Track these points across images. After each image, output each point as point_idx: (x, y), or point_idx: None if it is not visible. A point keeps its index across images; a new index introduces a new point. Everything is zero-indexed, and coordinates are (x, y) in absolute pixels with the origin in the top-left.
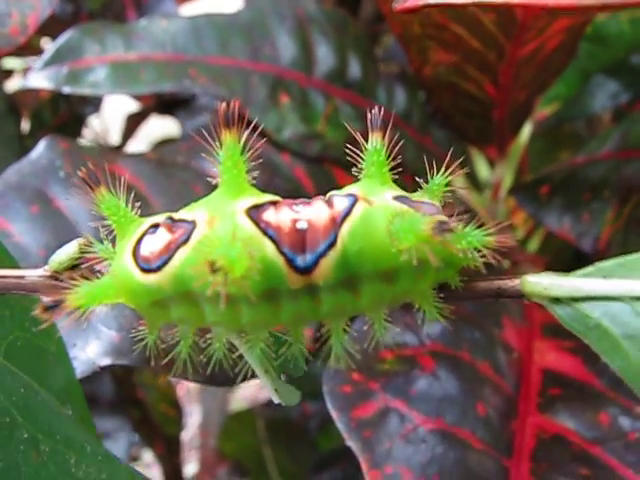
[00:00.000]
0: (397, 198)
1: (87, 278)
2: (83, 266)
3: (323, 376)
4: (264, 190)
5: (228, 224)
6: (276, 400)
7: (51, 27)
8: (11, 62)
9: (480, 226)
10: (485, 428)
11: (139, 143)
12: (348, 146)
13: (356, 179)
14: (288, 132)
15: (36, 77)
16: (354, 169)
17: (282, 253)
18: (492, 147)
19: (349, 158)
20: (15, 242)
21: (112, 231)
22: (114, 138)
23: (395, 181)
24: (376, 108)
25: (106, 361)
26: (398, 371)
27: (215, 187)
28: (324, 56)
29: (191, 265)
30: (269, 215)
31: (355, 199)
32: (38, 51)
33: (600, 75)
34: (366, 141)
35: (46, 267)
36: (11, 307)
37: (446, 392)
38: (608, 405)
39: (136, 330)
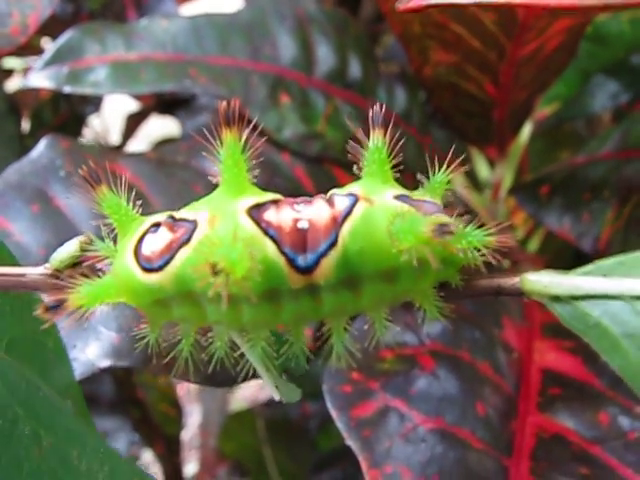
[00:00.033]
0: (398, 197)
1: (88, 276)
2: (84, 264)
3: (323, 375)
4: (264, 189)
5: (229, 224)
6: (277, 397)
7: (51, 27)
8: (11, 62)
9: (480, 226)
10: (485, 428)
11: (139, 143)
12: (349, 144)
13: (357, 177)
14: (288, 132)
15: (37, 77)
16: (355, 167)
17: (283, 253)
18: (492, 147)
19: (350, 157)
20: (15, 241)
21: (113, 229)
22: (114, 138)
23: (396, 180)
24: (377, 106)
25: (106, 363)
26: (398, 370)
27: (216, 186)
28: (324, 56)
29: (192, 265)
30: (270, 215)
31: (356, 199)
32: (38, 51)
33: (600, 75)
34: (367, 140)
35: (47, 265)
36: (11, 302)
37: (446, 392)
38: (608, 405)
39: (137, 329)
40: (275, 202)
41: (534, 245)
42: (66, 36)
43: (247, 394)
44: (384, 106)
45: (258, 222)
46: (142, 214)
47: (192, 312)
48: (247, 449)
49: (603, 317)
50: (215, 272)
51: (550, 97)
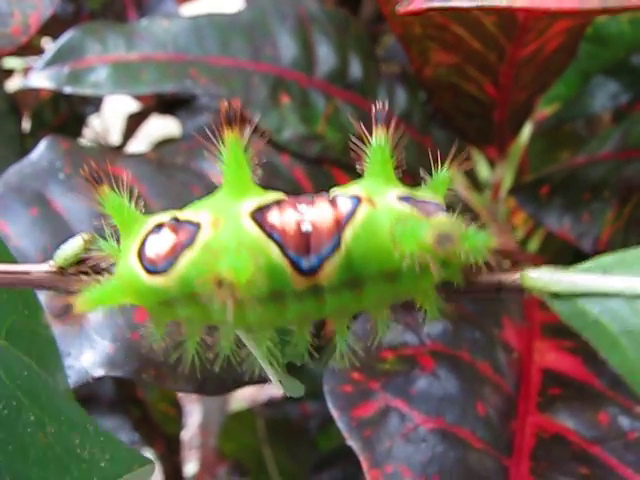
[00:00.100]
0: (401, 198)
1: (90, 273)
2: (88, 263)
3: (324, 376)
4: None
5: (233, 227)
6: (281, 391)
7: (52, 27)
8: (12, 62)
9: (481, 227)
10: (485, 427)
11: (140, 143)
12: (351, 142)
13: (358, 176)
14: (288, 133)
15: (37, 77)
16: (357, 165)
17: (287, 256)
18: (492, 147)
19: (351, 157)
20: (13, 245)
21: (116, 230)
22: (115, 138)
23: (398, 179)
24: (379, 104)
25: (99, 372)
26: (398, 371)
27: (218, 187)
28: (325, 56)
29: (196, 270)
30: (274, 217)
31: (359, 200)
32: (39, 51)
33: (600, 75)
34: (369, 139)
35: (51, 262)
36: (7, 290)
37: (446, 392)
38: (608, 405)
39: (139, 331)
40: (278, 203)
41: (534, 245)
42: (67, 36)
43: (247, 394)
44: (386, 105)
45: (262, 225)
46: (144, 215)
47: (197, 312)
48: (247, 449)
49: (602, 314)
50: (219, 283)
51: (550, 97)
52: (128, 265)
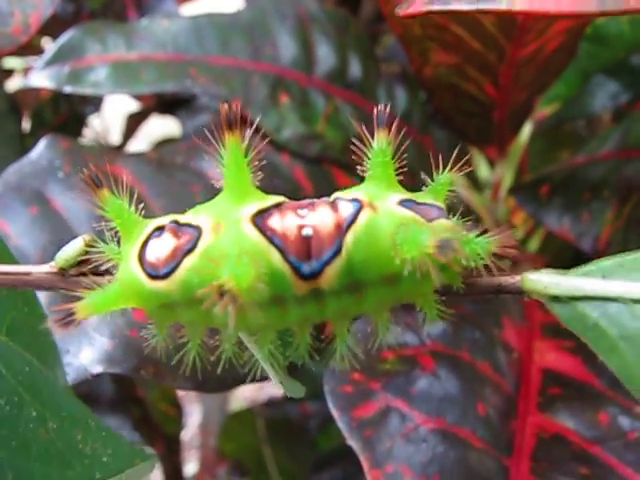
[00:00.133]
0: (402, 202)
1: (90, 275)
2: (89, 265)
3: (324, 376)
4: (264, 191)
5: (233, 233)
6: (282, 391)
7: (52, 27)
8: (12, 62)
9: (483, 231)
10: (485, 427)
11: (140, 143)
12: (353, 144)
13: (359, 178)
14: (288, 132)
15: (38, 76)
16: (358, 167)
17: (288, 262)
18: (492, 147)
19: (350, 156)
20: (13, 244)
21: (116, 232)
22: (115, 138)
23: (399, 182)
24: (381, 106)
25: (98, 369)
26: (399, 371)
27: (218, 189)
28: (325, 56)
29: (198, 276)
30: (274, 222)
31: (360, 205)
32: (39, 51)
33: (600, 75)
34: (370, 141)
35: (52, 264)
36: (7, 287)
37: (446, 392)
38: (608, 405)
39: (145, 329)
40: (279, 206)
41: (534, 245)
42: (67, 35)
43: (247, 394)
44: (388, 107)
45: (263, 230)
46: (144, 217)
47: (198, 316)
48: (247, 449)
49: (601, 319)
50: (221, 293)
51: (550, 97)
52: (129, 269)
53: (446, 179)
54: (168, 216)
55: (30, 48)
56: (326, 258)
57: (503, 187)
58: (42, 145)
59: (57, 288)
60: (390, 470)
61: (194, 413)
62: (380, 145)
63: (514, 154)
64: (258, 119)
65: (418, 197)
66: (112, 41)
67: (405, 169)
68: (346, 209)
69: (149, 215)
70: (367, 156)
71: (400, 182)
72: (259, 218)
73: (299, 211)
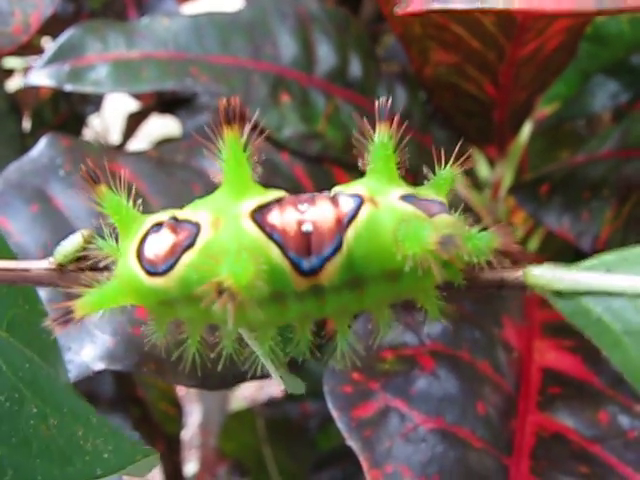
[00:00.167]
0: (404, 197)
1: (89, 271)
2: (87, 260)
3: (324, 376)
4: (265, 186)
5: (232, 229)
6: (282, 389)
7: (52, 26)
8: (12, 61)
9: (484, 228)
10: (485, 427)
11: (140, 142)
12: (355, 138)
13: (360, 175)
14: (288, 131)
15: (38, 75)
16: (360, 161)
17: (288, 258)
18: (492, 146)
19: (351, 155)
20: (14, 242)
21: (114, 229)
22: (115, 137)
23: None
24: (383, 99)
25: (100, 366)
26: (398, 371)
27: (218, 185)
28: (325, 55)
29: (197, 272)
30: (274, 217)
31: (361, 200)
32: (38, 50)
33: (600, 75)
34: (371, 134)
35: (51, 259)
36: (6, 283)
37: (446, 391)
38: (607, 404)
39: (145, 327)
40: (279, 201)
41: (534, 244)
42: (67, 34)
43: (247, 393)
44: (389, 101)
45: (262, 226)
46: (143, 214)
47: (198, 313)
48: (247, 448)
49: (605, 313)
50: (220, 291)
51: (550, 97)
52: (127, 266)
53: (448, 174)
54: (166, 212)
55: (30, 48)
56: (326, 254)
57: (503, 186)
58: (43, 143)
59: (56, 284)
60: (389, 470)
61: (194, 413)
62: (381, 138)
63: (514, 153)
64: (258, 117)
65: (420, 192)
66: (113, 40)
67: (405, 168)
68: (347, 204)
69: (149, 213)
70: (368, 150)
71: (402, 178)
72: (258, 214)
73: (299, 206)
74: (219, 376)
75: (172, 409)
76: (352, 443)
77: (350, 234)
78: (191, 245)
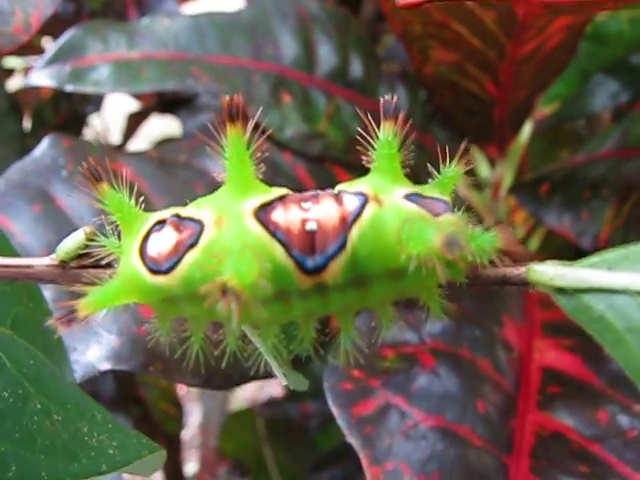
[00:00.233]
0: (408, 196)
1: (91, 268)
2: (90, 257)
3: (324, 374)
4: (268, 183)
5: (236, 227)
6: (283, 389)
7: (52, 26)
8: (12, 61)
9: (486, 229)
10: (485, 425)
11: (140, 142)
12: (357, 137)
13: (361, 174)
14: (290, 131)
15: (39, 75)
16: (364, 158)
17: (292, 256)
18: (492, 146)
19: (352, 155)
20: (17, 242)
21: (117, 227)
22: (115, 137)
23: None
24: (388, 97)
25: (106, 366)
26: (399, 368)
27: (220, 183)
28: (326, 55)
29: (200, 271)
30: (278, 215)
31: (365, 199)
32: (39, 50)
33: (600, 74)
34: (376, 132)
35: (53, 256)
36: (11, 282)
37: (446, 389)
38: (607, 403)
39: (148, 325)
40: (282, 199)
41: (535, 244)
42: (68, 34)
43: (247, 394)
44: (395, 99)
45: (266, 225)
46: (145, 212)
47: (201, 311)
48: (247, 448)
49: (607, 311)
50: (224, 291)
51: (550, 96)
52: (130, 264)
53: (453, 173)
54: (169, 209)
55: (30, 48)
56: (331, 253)
57: (503, 186)
58: (45, 143)
59: (58, 281)
60: (390, 467)
61: (194, 412)
62: (386, 136)
63: (514, 153)
64: (259, 117)
65: (424, 190)
66: (113, 40)
67: (408, 166)
68: (351, 203)
69: (152, 212)
70: (373, 148)
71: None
72: (262, 212)
73: (303, 204)
74: (225, 375)
75: (172, 409)
76: (352, 440)
77: (354, 233)
78: (194, 244)
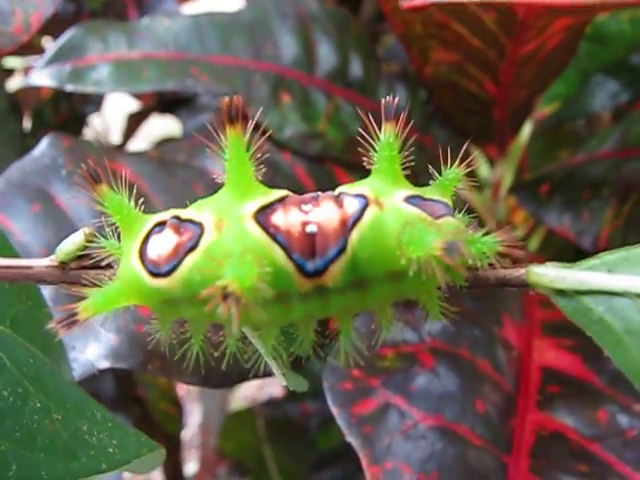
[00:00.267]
0: (409, 199)
1: (91, 269)
2: (89, 258)
3: (323, 373)
4: (268, 185)
5: (236, 230)
6: (283, 389)
7: (52, 26)
8: (12, 61)
9: (487, 232)
10: (484, 425)
11: (140, 142)
12: (357, 138)
13: (361, 174)
14: (289, 131)
15: (39, 75)
16: (365, 159)
17: (292, 259)
18: (492, 146)
19: (351, 154)
20: (17, 241)
21: (116, 228)
22: (115, 137)
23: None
24: (389, 98)
25: (104, 364)
26: (398, 368)
27: (220, 184)
28: (326, 55)
29: (200, 275)
30: (278, 218)
31: (366, 201)
32: (39, 50)
33: (600, 75)
34: (377, 134)
35: (53, 257)
36: (9, 280)
37: (446, 389)
38: (607, 402)
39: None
40: (282, 201)
41: (535, 244)
42: (68, 34)
43: (247, 393)
44: (396, 100)
45: (266, 227)
46: (144, 213)
47: (201, 312)
48: (247, 448)
49: (607, 313)
50: (224, 295)
51: (550, 97)
52: (130, 267)
53: (454, 174)
54: (169, 211)
55: (31, 47)
56: (331, 256)
57: (503, 186)
58: (45, 143)
59: (58, 282)
60: (389, 467)
61: (194, 412)
62: (387, 138)
63: (514, 153)
64: (259, 117)
65: (425, 192)
66: (113, 40)
67: (409, 168)
68: (352, 205)
69: (151, 213)
70: (374, 149)
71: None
72: (262, 215)
73: (303, 206)
74: (223, 374)
75: (172, 409)
76: (352, 439)
77: (355, 236)
78: (194, 246)
